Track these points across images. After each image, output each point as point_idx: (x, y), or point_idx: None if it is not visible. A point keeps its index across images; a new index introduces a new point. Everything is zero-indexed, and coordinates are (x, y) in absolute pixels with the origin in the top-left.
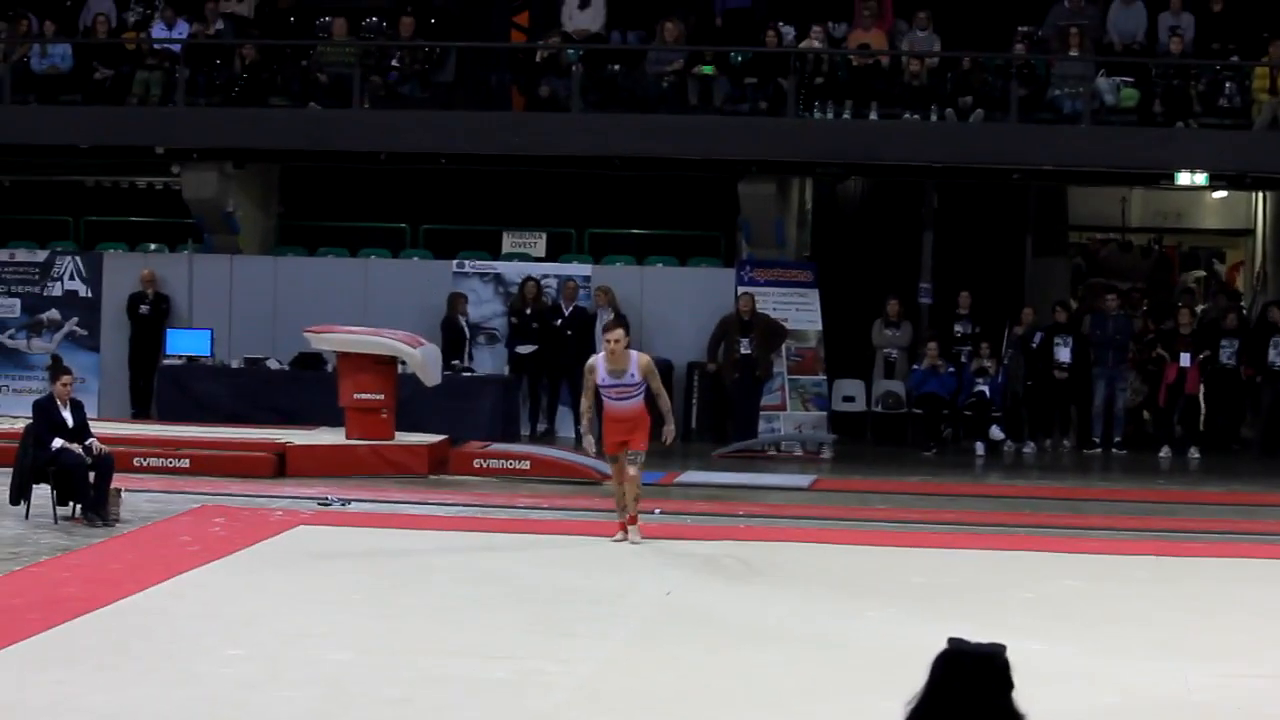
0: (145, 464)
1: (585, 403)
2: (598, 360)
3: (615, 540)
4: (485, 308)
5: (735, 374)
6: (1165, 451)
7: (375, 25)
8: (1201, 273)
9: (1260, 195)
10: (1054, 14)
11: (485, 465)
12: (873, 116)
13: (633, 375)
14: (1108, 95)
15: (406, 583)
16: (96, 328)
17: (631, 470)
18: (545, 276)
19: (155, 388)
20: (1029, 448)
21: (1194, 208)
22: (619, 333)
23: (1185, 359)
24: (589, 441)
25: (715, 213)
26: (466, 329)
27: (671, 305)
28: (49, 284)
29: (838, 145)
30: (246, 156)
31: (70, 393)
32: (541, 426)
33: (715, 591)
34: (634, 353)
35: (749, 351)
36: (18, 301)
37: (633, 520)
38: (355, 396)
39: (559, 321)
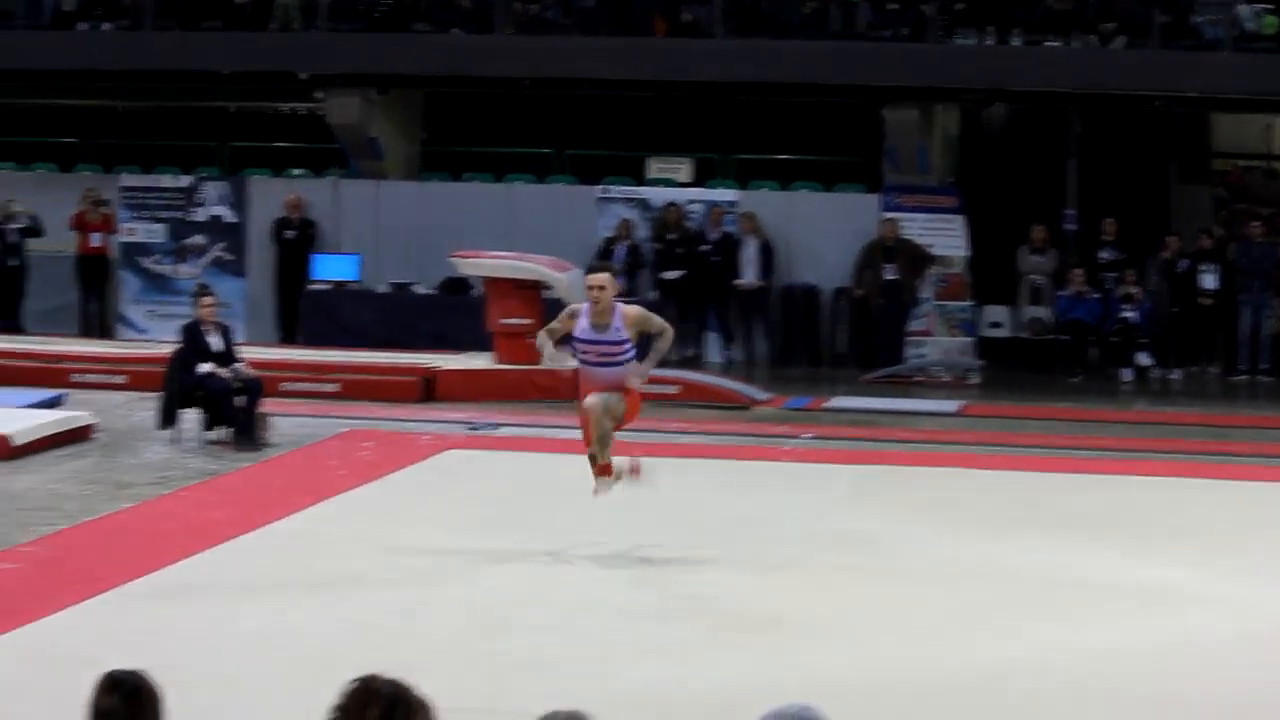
0: (293, 388)
1: (543, 335)
2: (583, 308)
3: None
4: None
5: (881, 299)
6: None
7: None
8: None
9: None
10: None
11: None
12: (1015, 43)
13: (618, 330)
14: (1248, 22)
15: (554, 507)
16: (242, 253)
17: (594, 402)
18: (691, 202)
19: (302, 313)
20: (1175, 374)
21: None
22: (603, 277)
23: None
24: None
25: (860, 138)
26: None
27: (817, 231)
28: (194, 210)
29: (981, 71)
30: (390, 82)
31: (215, 315)
32: (689, 351)
33: (864, 516)
34: (620, 305)
35: (894, 277)
36: (163, 227)
37: (604, 470)
38: (502, 321)
39: (705, 247)
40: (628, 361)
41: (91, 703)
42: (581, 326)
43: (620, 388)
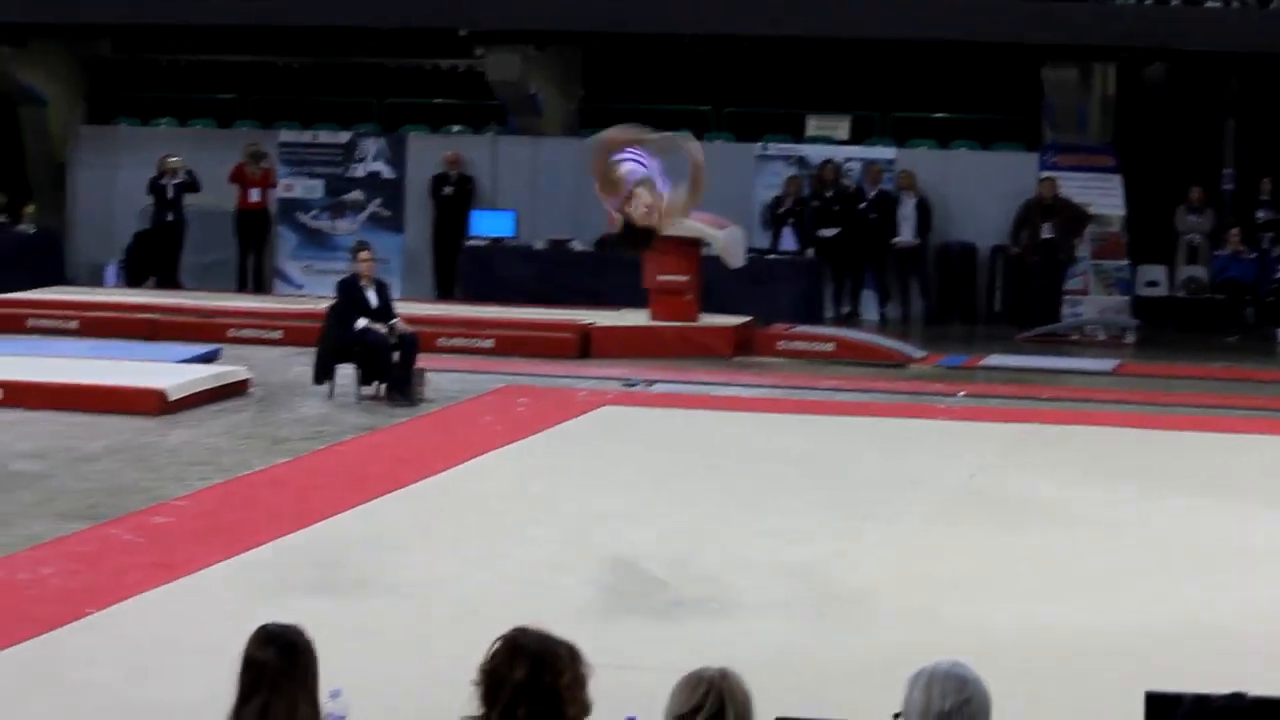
0: (449, 344)
1: None
2: None
3: None
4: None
5: (1037, 258)
6: None
7: None
8: None
9: None
10: None
11: (789, 347)
12: (1175, 2)
13: None
14: None
15: (709, 464)
16: (400, 209)
17: None
18: (848, 160)
19: (459, 268)
20: None
21: None
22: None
23: None
24: None
25: (1018, 97)
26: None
27: (974, 189)
28: (352, 165)
29: (1141, 30)
30: (549, 38)
31: (372, 270)
32: (845, 309)
33: (1018, 474)
34: None
35: (1051, 236)
36: (321, 183)
37: None
38: (659, 278)
39: (862, 205)
40: None
41: (245, 654)
42: None
43: None
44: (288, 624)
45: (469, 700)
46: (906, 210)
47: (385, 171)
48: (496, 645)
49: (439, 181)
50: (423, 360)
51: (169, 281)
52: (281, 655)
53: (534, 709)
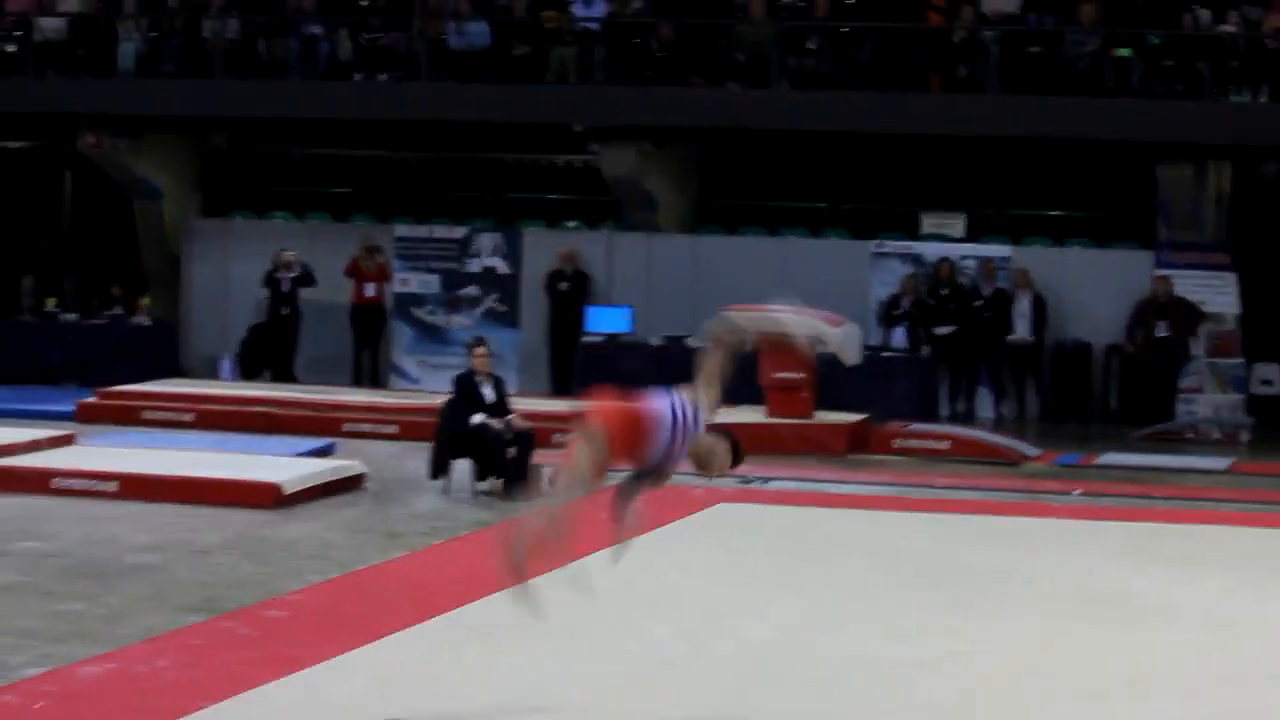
0: (564, 440)
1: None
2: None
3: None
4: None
5: (1152, 356)
6: None
7: (792, 4)
8: None
9: None
10: None
11: (905, 445)
12: None
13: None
14: None
15: (824, 561)
16: (515, 304)
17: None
18: (964, 257)
19: (575, 364)
20: None
21: None
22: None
23: None
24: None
25: (1133, 194)
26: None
27: (1089, 287)
28: (468, 260)
29: (1255, 129)
30: (664, 135)
31: (488, 365)
32: (960, 407)
33: (1133, 573)
34: None
35: (1166, 334)
36: (437, 278)
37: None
38: (775, 375)
39: (977, 303)
40: None
41: None
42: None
43: None
44: None
45: None
46: (1022, 308)
47: (501, 266)
48: None
49: (554, 277)
50: (539, 456)
51: (284, 375)
52: None
53: None
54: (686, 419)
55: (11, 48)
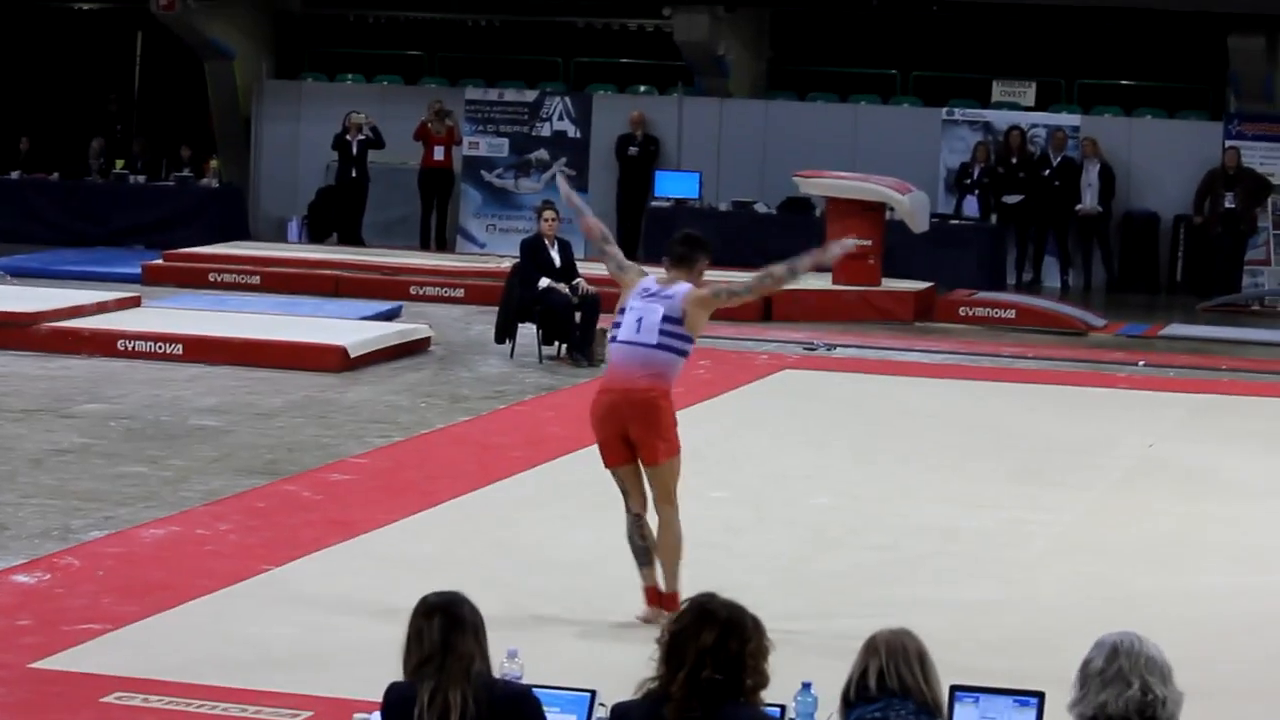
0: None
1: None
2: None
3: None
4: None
5: (1219, 228)
6: None
7: None
8: None
9: None
10: None
11: (970, 313)
12: None
13: (672, 301)
14: None
15: (889, 429)
16: (585, 168)
17: (662, 519)
18: (1034, 126)
19: (643, 229)
20: None
21: None
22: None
23: None
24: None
25: (1204, 65)
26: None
27: (1158, 158)
28: (538, 124)
29: None
30: (738, 0)
31: (556, 229)
32: (1027, 276)
33: (1197, 445)
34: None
35: (1233, 206)
36: (506, 141)
37: (662, 601)
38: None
39: (1046, 171)
40: (670, 354)
41: (410, 625)
42: (639, 286)
43: (650, 402)
44: (449, 593)
45: (646, 663)
46: (1090, 177)
47: (570, 130)
48: (685, 608)
49: (624, 142)
50: (604, 321)
51: (352, 238)
52: (445, 626)
53: (716, 674)
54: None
55: None
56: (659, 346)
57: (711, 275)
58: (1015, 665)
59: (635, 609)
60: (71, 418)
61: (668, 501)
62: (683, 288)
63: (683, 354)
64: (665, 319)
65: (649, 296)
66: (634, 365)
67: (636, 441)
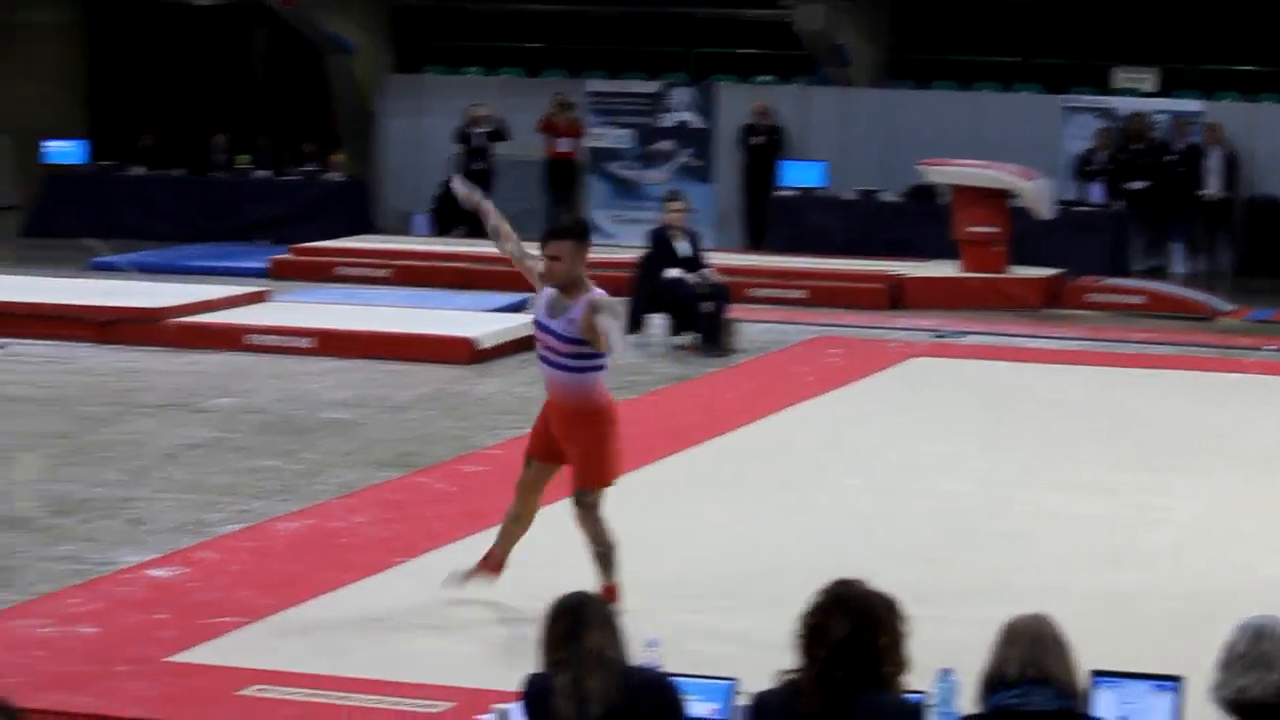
0: (760, 294)
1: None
2: (544, 288)
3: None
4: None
5: None
6: None
7: None
8: None
9: None
10: None
11: (1098, 299)
12: None
13: (572, 320)
14: None
15: (1019, 415)
16: (709, 159)
17: (580, 511)
18: (1156, 112)
19: (769, 219)
20: None
21: None
22: (560, 246)
23: None
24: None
25: None
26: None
27: None
28: (661, 115)
29: None
30: None
31: (683, 220)
32: (1153, 262)
33: None
34: (593, 292)
35: None
36: (630, 132)
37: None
38: (969, 229)
39: (1169, 157)
40: (581, 368)
41: (543, 628)
42: (538, 308)
43: (575, 411)
44: (577, 593)
45: (784, 651)
46: (1214, 163)
47: (695, 121)
48: (819, 599)
49: (748, 131)
50: (734, 310)
51: (478, 230)
52: (576, 624)
53: (852, 668)
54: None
55: None
56: (564, 370)
57: (838, 264)
58: (1152, 651)
59: (755, 597)
60: (203, 412)
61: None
62: (578, 309)
63: (586, 367)
64: (565, 346)
65: (546, 333)
66: (559, 382)
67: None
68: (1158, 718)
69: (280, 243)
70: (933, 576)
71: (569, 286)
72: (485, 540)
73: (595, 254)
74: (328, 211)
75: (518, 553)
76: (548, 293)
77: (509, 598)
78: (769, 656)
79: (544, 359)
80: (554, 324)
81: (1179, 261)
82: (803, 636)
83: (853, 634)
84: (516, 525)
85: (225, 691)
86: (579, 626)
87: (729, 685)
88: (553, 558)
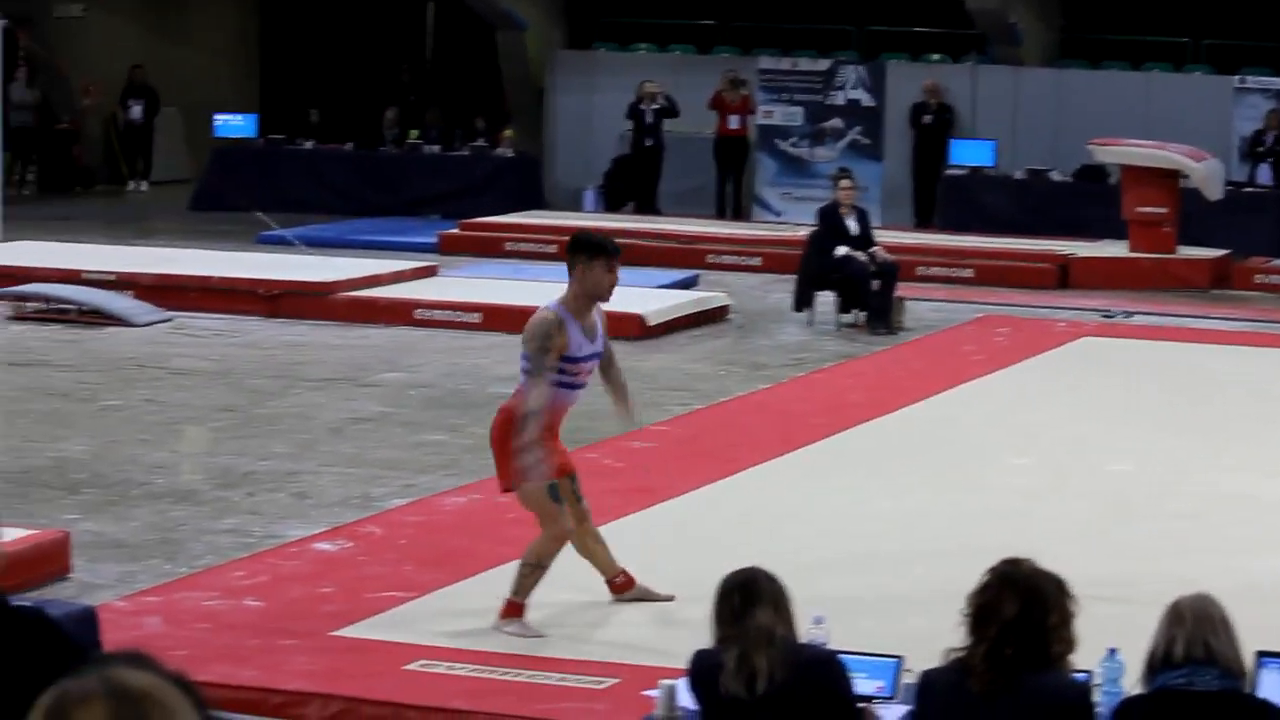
0: (928, 273)
1: (538, 400)
2: (563, 314)
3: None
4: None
5: None
6: None
7: None
8: None
9: None
10: None
11: (1267, 280)
12: None
13: (601, 338)
14: None
15: (1189, 397)
16: (879, 137)
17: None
18: None
19: (938, 197)
20: None
21: None
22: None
23: None
24: (540, 472)
25: None
26: None
27: None
28: (831, 93)
29: None
30: None
31: (852, 198)
32: None
33: None
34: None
35: None
36: (800, 110)
37: (623, 584)
38: (1138, 210)
39: None
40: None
41: (714, 603)
42: (573, 338)
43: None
44: (748, 569)
45: (950, 629)
46: None
47: (865, 99)
48: (988, 578)
49: (918, 110)
50: (902, 289)
51: (647, 207)
52: (745, 600)
53: (1021, 647)
54: None
55: None
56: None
57: (1006, 243)
58: None
59: (921, 575)
60: (370, 386)
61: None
62: (601, 324)
63: (528, 373)
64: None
65: (587, 360)
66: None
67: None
68: None
69: (449, 218)
70: (1101, 556)
71: (588, 307)
72: (653, 516)
73: (764, 232)
74: (497, 187)
75: (690, 532)
76: (571, 325)
77: (679, 571)
78: (935, 634)
79: (580, 386)
80: (595, 346)
81: None
82: (971, 615)
83: (1022, 613)
84: (595, 543)
85: (390, 666)
86: (748, 603)
87: (895, 663)
88: (716, 536)
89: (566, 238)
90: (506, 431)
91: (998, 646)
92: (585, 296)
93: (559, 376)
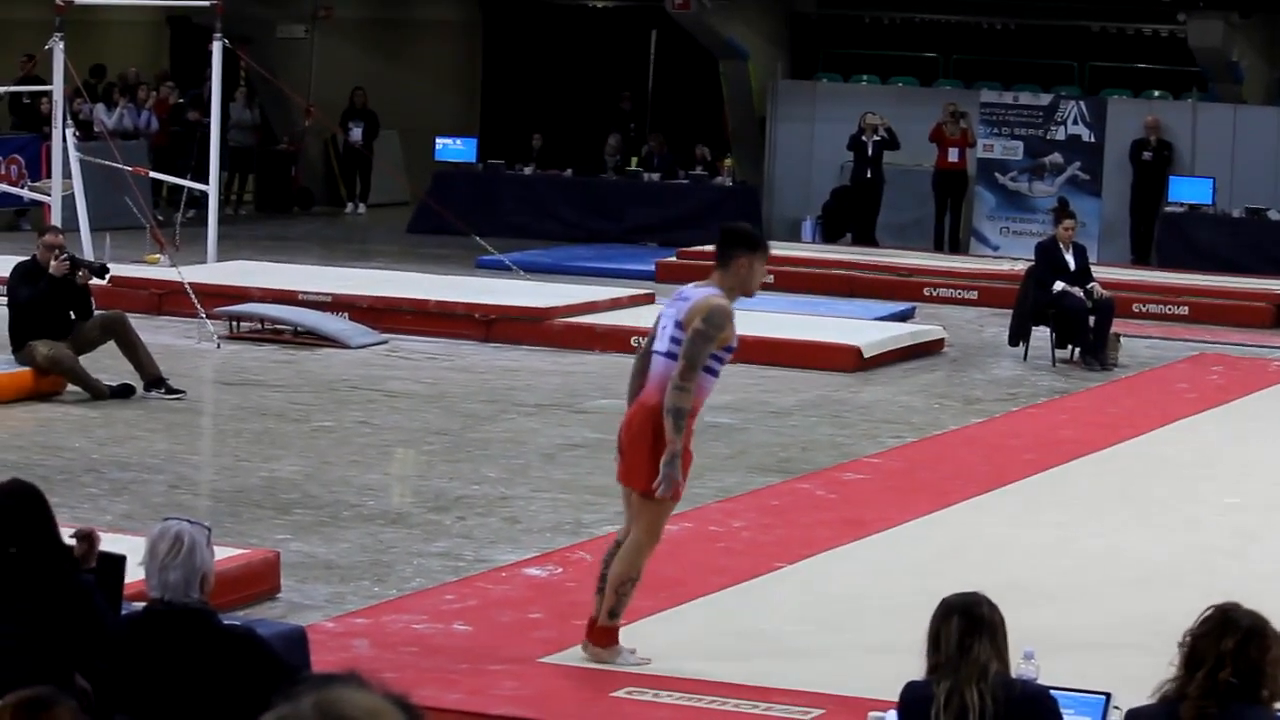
0: (1144, 310)
1: (690, 398)
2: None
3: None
4: None
5: None
6: None
7: None
8: None
9: None
10: None
11: None
12: None
13: (685, 304)
14: None
15: None
16: (1098, 173)
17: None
18: None
19: (1156, 234)
20: None
21: None
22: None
23: None
24: (677, 491)
25: None
26: None
27: None
28: (1052, 128)
29: None
30: (1253, 6)
31: (1072, 234)
32: None
33: None
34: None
35: None
36: (1020, 144)
37: (590, 632)
38: None
39: None
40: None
41: (931, 627)
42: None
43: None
44: (969, 593)
45: (1163, 669)
46: None
47: (1085, 135)
48: (1209, 614)
49: (1138, 146)
50: (1117, 325)
51: (865, 238)
52: (963, 627)
53: (1234, 677)
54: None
55: None
56: (668, 355)
57: (1223, 281)
58: None
59: (1130, 612)
60: (584, 413)
61: (643, 533)
62: (701, 291)
63: (684, 358)
64: (676, 324)
65: (677, 299)
66: (654, 377)
67: (622, 455)
68: None
69: (668, 246)
70: None
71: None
72: (864, 549)
73: (981, 265)
74: (716, 216)
75: (900, 562)
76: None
77: (889, 603)
78: (1143, 671)
79: (656, 351)
80: (674, 307)
81: None
82: (1188, 646)
83: (1239, 648)
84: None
85: (598, 693)
86: (966, 632)
87: (1103, 699)
88: (926, 567)
89: (785, 268)
90: (651, 428)
91: (1212, 675)
92: (738, 290)
93: (711, 364)
